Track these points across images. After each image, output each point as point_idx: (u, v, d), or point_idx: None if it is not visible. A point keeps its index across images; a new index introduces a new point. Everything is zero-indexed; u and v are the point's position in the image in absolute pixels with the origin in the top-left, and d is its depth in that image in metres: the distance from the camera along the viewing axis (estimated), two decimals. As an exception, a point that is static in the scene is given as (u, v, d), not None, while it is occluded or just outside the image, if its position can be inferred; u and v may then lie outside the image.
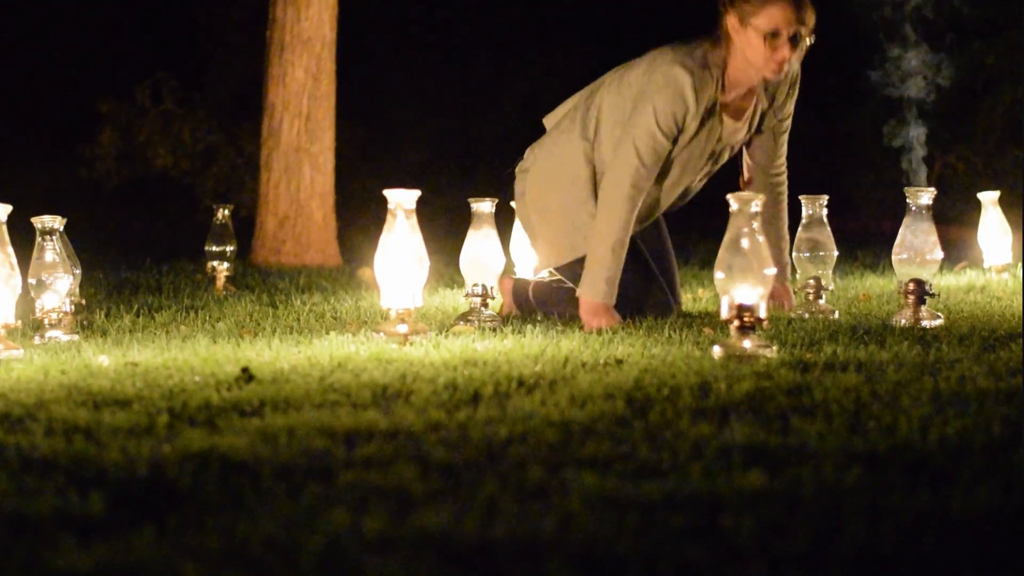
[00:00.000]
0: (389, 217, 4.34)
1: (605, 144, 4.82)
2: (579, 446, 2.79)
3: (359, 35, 12.00)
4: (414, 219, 4.35)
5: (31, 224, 4.78)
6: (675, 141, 4.72)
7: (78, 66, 13.91)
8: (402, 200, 4.33)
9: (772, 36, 4.61)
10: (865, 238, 8.96)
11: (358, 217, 11.06)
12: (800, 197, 5.17)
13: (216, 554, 2.13)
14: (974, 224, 6.81)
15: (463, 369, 3.70)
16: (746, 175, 5.04)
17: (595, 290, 4.62)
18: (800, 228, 5.12)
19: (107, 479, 2.58)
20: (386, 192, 4.36)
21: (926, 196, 4.83)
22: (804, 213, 5.13)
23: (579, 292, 4.67)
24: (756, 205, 3.88)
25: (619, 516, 2.27)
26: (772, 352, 3.88)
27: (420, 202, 4.39)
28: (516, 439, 2.85)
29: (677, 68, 4.66)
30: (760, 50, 4.62)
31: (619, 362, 3.80)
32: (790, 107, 4.95)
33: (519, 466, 2.62)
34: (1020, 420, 2.96)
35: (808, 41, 4.67)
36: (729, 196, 3.90)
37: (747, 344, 3.86)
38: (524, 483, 2.50)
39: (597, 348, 4.08)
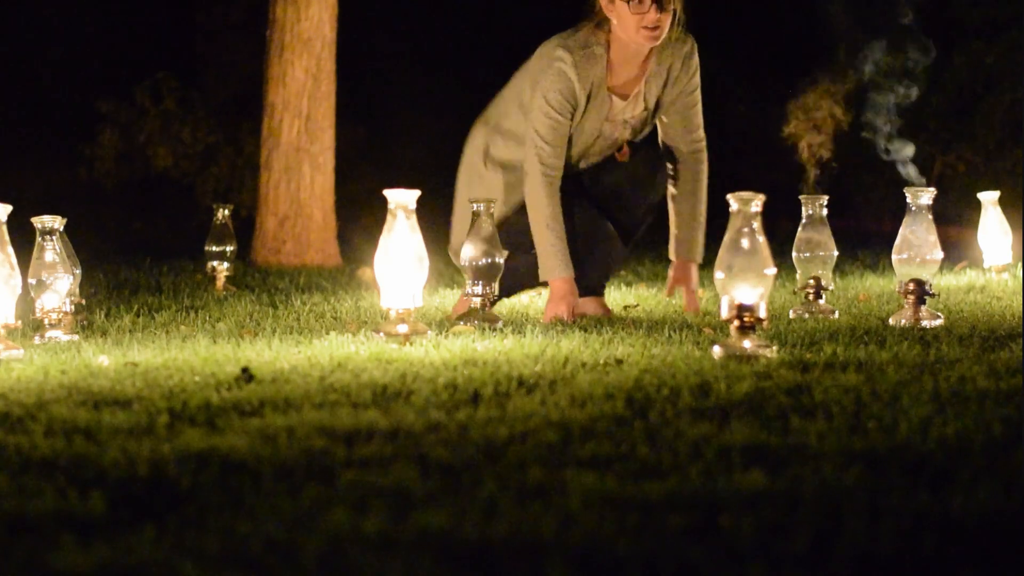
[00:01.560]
0: (389, 217, 4.34)
1: (506, 118, 5.13)
2: (579, 446, 2.79)
3: (359, 35, 11.99)
4: (414, 219, 4.35)
5: (31, 224, 4.78)
6: (573, 116, 4.98)
7: (78, 66, 13.90)
8: (402, 200, 4.33)
9: (637, 1, 4.82)
10: (865, 238, 8.96)
11: (358, 217, 11.06)
12: (800, 197, 5.16)
13: (216, 554, 2.13)
14: (974, 224, 6.80)
15: (463, 369, 3.70)
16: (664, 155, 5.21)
17: (549, 269, 4.90)
18: (800, 228, 5.12)
19: (107, 479, 2.58)
20: (386, 192, 4.36)
21: (926, 196, 4.83)
22: (804, 213, 5.12)
23: (542, 278, 4.96)
24: (756, 205, 3.88)
25: (619, 516, 2.27)
26: (772, 352, 3.88)
27: (420, 202, 4.39)
28: (516, 439, 2.85)
29: (558, 50, 4.94)
30: (629, 18, 4.85)
31: (619, 362, 3.80)
32: (693, 80, 5.07)
33: (519, 466, 2.62)
34: (1020, 420, 2.96)
35: (677, 6, 4.88)
36: (729, 196, 3.90)
37: (747, 344, 3.86)
38: (524, 483, 2.50)
39: (597, 348, 4.08)
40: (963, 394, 3.25)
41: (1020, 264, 6.62)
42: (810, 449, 2.71)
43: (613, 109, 5.00)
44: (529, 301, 5.65)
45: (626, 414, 3.09)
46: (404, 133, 13.25)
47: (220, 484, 2.54)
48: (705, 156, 5.17)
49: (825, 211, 5.14)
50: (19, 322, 4.38)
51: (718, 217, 4.48)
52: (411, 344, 4.23)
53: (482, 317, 4.72)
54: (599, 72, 4.94)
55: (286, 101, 8.48)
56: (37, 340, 4.64)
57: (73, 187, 11.97)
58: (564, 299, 4.86)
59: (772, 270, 3.90)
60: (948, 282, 6.21)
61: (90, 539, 2.21)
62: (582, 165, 5.13)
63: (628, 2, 4.82)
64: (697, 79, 5.06)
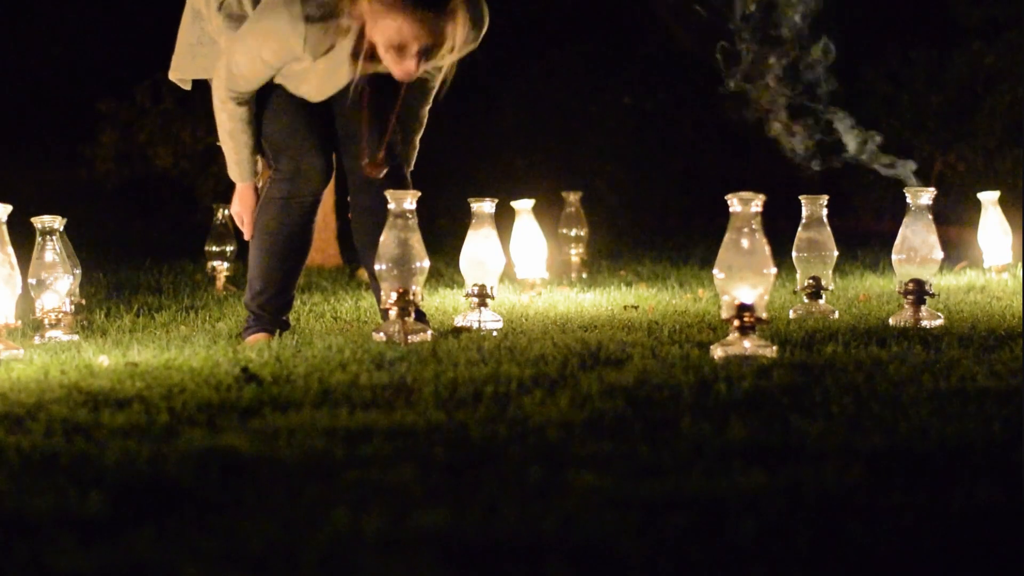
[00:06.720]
0: (390, 217, 4.34)
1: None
2: (579, 446, 2.79)
3: (359, 35, 11.97)
4: (414, 219, 4.35)
5: (31, 224, 4.78)
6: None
7: (78, 66, 13.90)
8: (403, 200, 4.33)
9: (398, 48, 4.22)
10: (865, 238, 8.96)
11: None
12: (800, 197, 5.16)
13: (216, 554, 2.13)
14: (974, 224, 6.80)
15: (463, 369, 3.70)
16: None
17: (231, 173, 4.61)
18: (800, 228, 5.12)
19: (107, 479, 2.58)
20: (387, 192, 4.36)
21: (926, 196, 4.83)
22: (804, 213, 5.12)
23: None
24: (756, 205, 3.88)
25: (619, 516, 2.27)
26: (772, 352, 3.88)
27: (420, 202, 4.39)
28: (516, 439, 2.85)
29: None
30: (384, 55, 4.25)
31: (619, 363, 3.79)
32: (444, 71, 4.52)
33: (519, 466, 2.62)
34: (1020, 420, 2.96)
35: (453, 55, 4.32)
36: (729, 196, 3.90)
37: (747, 344, 3.87)
38: (524, 483, 2.50)
39: (596, 348, 4.07)
40: (963, 394, 3.25)
41: (1020, 264, 6.62)
42: (810, 449, 2.71)
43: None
44: (529, 301, 5.66)
45: (627, 414, 3.09)
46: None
47: (220, 484, 2.54)
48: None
49: (825, 211, 5.14)
50: (19, 322, 4.39)
51: (718, 217, 4.49)
52: (411, 343, 4.23)
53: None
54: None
55: (286, 101, 8.46)
56: (37, 340, 4.64)
57: (73, 187, 11.97)
58: (242, 197, 4.60)
59: (772, 270, 3.90)
60: (948, 282, 6.20)
61: (90, 539, 2.21)
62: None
63: (389, 48, 4.22)
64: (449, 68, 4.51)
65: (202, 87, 4.79)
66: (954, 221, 9.28)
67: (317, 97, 4.49)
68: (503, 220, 5.35)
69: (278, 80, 4.45)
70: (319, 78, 4.41)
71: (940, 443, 2.74)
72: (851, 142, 5.89)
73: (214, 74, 4.48)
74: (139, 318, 5.23)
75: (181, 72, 4.66)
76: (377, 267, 4.34)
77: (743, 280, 3.87)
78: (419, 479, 2.54)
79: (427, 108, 4.73)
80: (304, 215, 4.57)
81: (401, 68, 4.27)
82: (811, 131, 6.17)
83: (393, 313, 4.33)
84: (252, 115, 4.48)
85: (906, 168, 5.94)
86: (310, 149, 4.53)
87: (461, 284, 5.92)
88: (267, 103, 4.50)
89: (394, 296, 4.30)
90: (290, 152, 4.53)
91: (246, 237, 4.63)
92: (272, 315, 4.54)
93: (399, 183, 4.56)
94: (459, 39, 4.31)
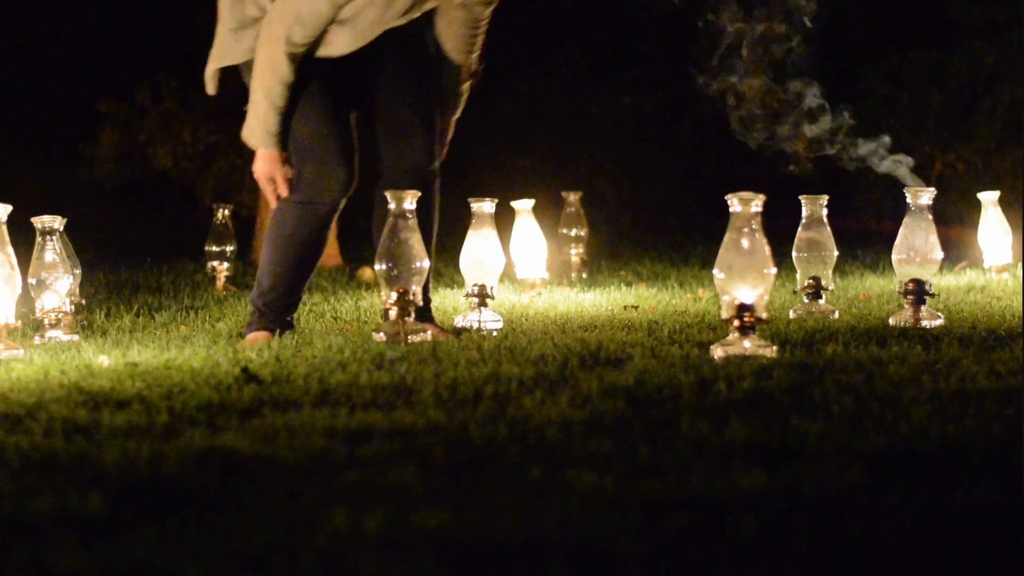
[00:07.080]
0: (390, 217, 4.34)
1: None
2: (579, 446, 2.79)
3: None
4: (414, 219, 4.35)
5: (31, 224, 4.78)
6: None
7: (78, 66, 13.90)
8: (403, 200, 4.33)
9: None
10: (865, 238, 8.96)
11: (358, 217, 11.05)
12: (800, 197, 5.16)
13: (216, 554, 2.13)
14: (974, 224, 6.80)
15: (463, 369, 3.71)
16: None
17: (250, 135, 4.54)
18: (800, 228, 5.12)
19: (107, 479, 2.58)
20: (386, 192, 4.36)
21: (926, 196, 4.83)
22: (804, 213, 5.12)
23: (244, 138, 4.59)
24: (756, 205, 3.88)
25: (619, 516, 2.27)
26: (772, 352, 3.88)
27: (420, 202, 4.39)
28: (516, 439, 2.85)
29: None
30: None
31: (621, 362, 3.80)
32: None
33: (519, 466, 2.62)
34: (1020, 420, 2.96)
35: None
36: (729, 196, 3.90)
37: (747, 344, 3.87)
38: (524, 483, 2.50)
39: (596, 348, 4.07)
40: (963, 394, 3.25)
41: (1020, 264, 6.62)
42: (810, 449, 2.71)
43: None
44: (529, 301, 5.66)
45: (626, 413, 3.09)
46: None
47: (220, 484, 2.54)
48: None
49: (825, 211, 5.14)
50: (19, 322, 4.39)
51: (718, 217, 4.48)
52: (411, 343, 4.23)
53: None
54: None
55: (286, 101, 8.45)
56: (37, 340, 4.64)
57: (73, 187, 11.97)
58: (271, 161, 4.49)
59: (772, 270, 3.90)
60: (948, 282, 6.20)
61: (90, 539, 2.21)
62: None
63: None
64: None
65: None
66: (954, 221, 9.28)
67: (371, 33, 4.46)
68: (503, 220, 5.35)
69: (332, 28, 4.43)
70: (378, 7, 4.41)
71: (940, 443, 2.75)
72: (821, 121, 5.82)
73: (264, 33, 4.46)
74: (139, 318, 5.23)
75: (222, 60, 4.66)
76: (377, 267, 4.34)
77: (743, 280, 3.87)
78: (419, 479, 2.54)
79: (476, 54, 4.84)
80: (321, 221, 4.57)
81: None
82: (779, 110, 6.11)
83: (393, 313, 4.33)
84: (294, 80, 4.45)
85: (880, 147, 5.88)
86: (334, 157, 4.53)
87: (461, 284, 5.92)
88: (298, 105, 4.50)
89: (394, 296, 4.30)
90: (314, 157, 4.51)
91: (278, 198, 4.54)
92: (276, 314, 4.54)
93: (430, 178, 4.59)
94: None
